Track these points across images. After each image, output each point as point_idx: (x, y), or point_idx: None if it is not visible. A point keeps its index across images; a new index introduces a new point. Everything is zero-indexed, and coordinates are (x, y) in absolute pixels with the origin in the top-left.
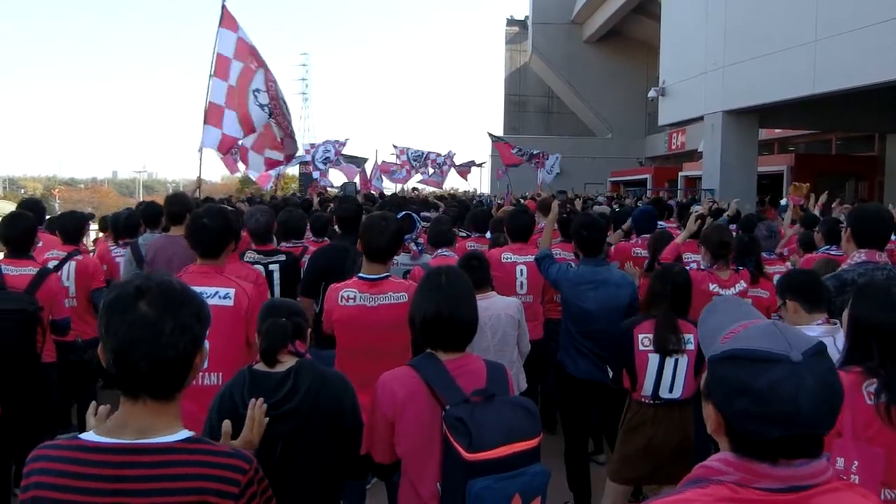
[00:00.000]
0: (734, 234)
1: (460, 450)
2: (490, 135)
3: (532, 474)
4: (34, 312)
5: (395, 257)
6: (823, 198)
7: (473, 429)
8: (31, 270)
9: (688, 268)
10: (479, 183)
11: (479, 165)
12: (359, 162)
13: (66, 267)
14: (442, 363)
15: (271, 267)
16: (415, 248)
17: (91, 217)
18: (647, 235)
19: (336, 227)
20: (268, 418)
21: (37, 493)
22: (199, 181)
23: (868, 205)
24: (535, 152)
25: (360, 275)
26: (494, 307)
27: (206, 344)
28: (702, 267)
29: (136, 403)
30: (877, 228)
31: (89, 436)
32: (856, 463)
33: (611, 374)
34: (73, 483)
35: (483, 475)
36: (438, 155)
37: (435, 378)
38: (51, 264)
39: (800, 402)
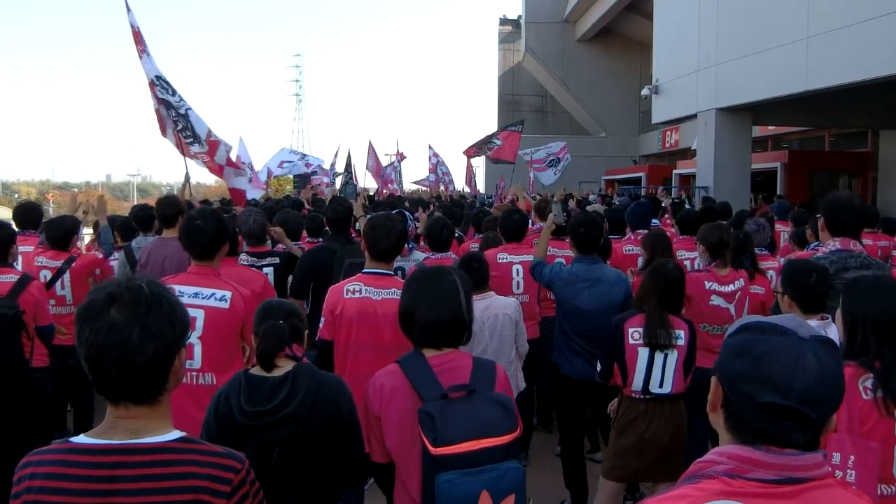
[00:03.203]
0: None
1: (427, 444)
2: (466, 153)
3: (502, 471)
4: (14, 316)
5: None
6: None
7: (440, 424)
8: (11, 278)
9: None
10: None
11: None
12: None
13: (61, 277)
14: (425, 360)
15: (265, 269)
16: (405, 245)
17: (80, 222)
18: (640, 232)
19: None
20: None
21: (28, 498)
22: (187, 182)
23: (840, 195)
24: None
25: (366, 270)
26: (493, 307)
27: (198, 346)
28: (698, 265)
29: (119, 408)
30: (849, 218)
31: (80, 438)
32: (852, 458)
33: (599, 367)
34: (64, 485)
35: (448, 470)
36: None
37: (416, 374)
38: (44, 273)
39: (796, 373)
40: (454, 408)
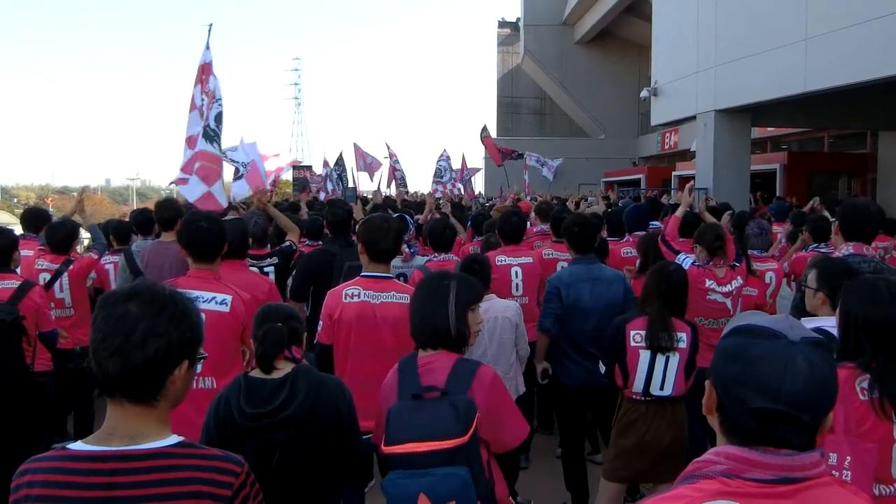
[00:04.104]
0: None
1: (381, 442)
2: (483, 129)
3: (441, 476)
4: (13, 322)
5: None
6: (815, 202)
7: (392, 424)
8: (12, 283)
9: (685, 263)
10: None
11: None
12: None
13: (59, 279)
14: (415, 360)
15: (266, 269)
16: (407, 250)
17: (80, 225)
18: (638, 234)
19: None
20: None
21: None
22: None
23: (857, 199)
24: (519, 153)
25: (364, 273)
26: (493, 310)
27: (200, 357)
28: (697, 265)
29: (115, 405)
30: (864, 223)
31: (78, 445)
32: (848, 458)
33: (603, 368)
34: (62, 493)
35: (393, 469)
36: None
37: (403, 374)
38: (43, 276)
39: (786, 377)
40: (412, 409)
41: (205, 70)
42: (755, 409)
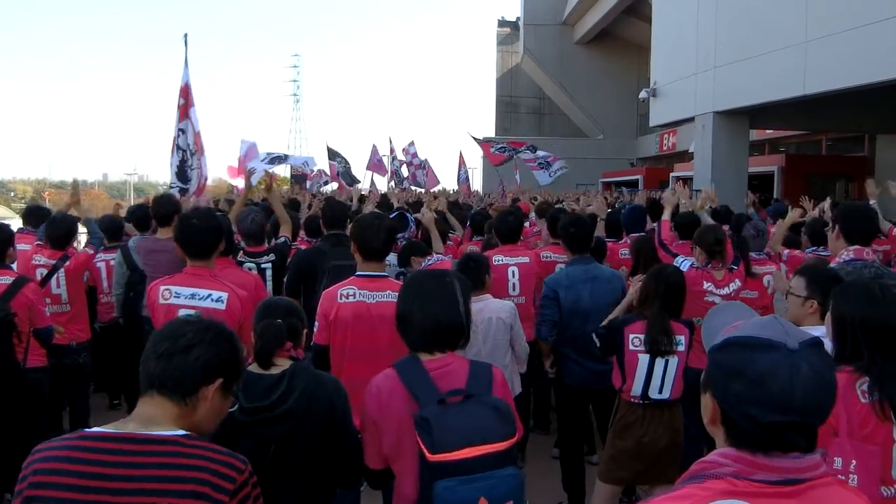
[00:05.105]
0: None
1: (424, 450)
2: (472, 136)
3: (500, 478)
4: (3, 318)
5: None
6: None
7: (437, 430)
8: (6, 280)
9: (684, 266)
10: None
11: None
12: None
13: (56, 274)
14: (421, 364)
15: (263, 265)
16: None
17: (79, 220)
18: (635, 235)
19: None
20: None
21: (33, 480)
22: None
23: (855, 203)
24: (514, 150)
25: (359, 273)
26: (487, 310)
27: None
28: (695, 267)
29: (144, 397)
30: (864, 226)
31: (93, 429)
32: (854, 462)
33: (598, 343)
34: (74, 468)
35: (447, 477)
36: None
37: (412, 378)
38: (40, 272)
39: (794, 387)
40: (451, 413)
41: (183, 94)
42: (767, 424)
